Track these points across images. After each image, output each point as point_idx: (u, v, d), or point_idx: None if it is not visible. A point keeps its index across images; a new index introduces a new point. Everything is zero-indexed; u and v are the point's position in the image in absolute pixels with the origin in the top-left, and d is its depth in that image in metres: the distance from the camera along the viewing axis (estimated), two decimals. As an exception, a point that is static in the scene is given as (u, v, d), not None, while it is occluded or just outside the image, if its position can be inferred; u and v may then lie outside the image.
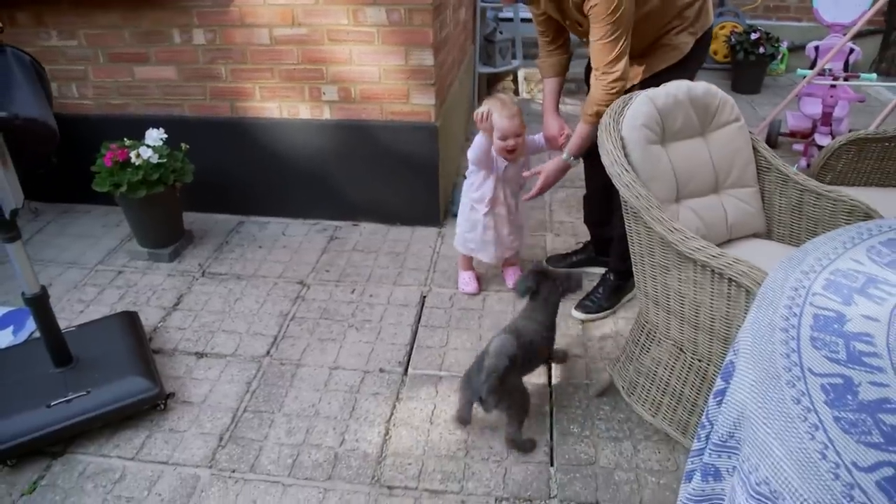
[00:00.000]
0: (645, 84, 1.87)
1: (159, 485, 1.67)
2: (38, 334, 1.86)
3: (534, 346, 1.74)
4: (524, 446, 1.73)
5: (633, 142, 1.55)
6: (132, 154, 2.42)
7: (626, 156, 1.54)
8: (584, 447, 1.75)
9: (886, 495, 0.67)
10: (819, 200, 1.63)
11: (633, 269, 1.62)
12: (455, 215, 2.51)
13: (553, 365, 2.04)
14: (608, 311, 2.29)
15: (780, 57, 5.17)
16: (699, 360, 1.50)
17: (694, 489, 0.97)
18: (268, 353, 2.13)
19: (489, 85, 4.68)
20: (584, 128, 1.98)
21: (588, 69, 2.09)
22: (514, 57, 4.56)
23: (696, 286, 1.40)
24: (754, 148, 1.75)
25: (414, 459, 1.73)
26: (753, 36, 4.74)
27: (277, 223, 2.95)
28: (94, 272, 2.59)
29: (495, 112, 2.08)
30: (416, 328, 2.25)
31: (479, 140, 2.13)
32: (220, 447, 1.77)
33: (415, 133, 2.71)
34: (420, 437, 1.79)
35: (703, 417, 1.01)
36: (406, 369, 2.05)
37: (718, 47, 5.18)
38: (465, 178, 2.30)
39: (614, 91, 1.83)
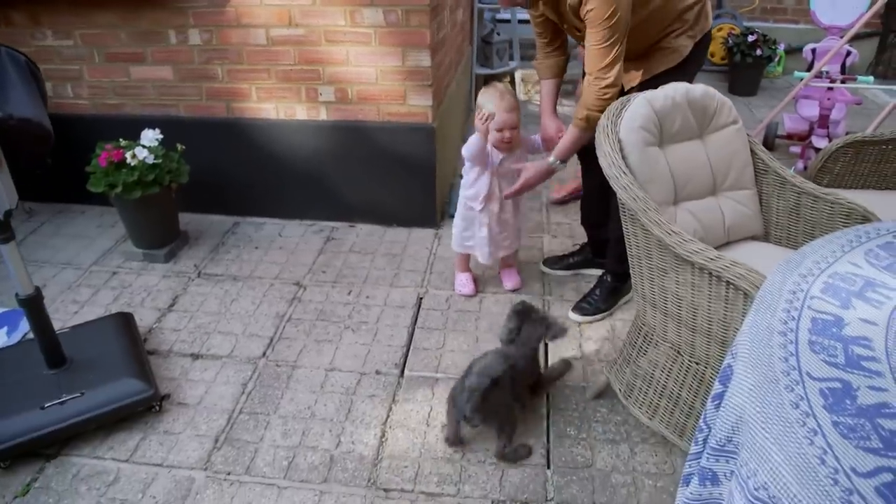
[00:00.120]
0: (644, 86, 1.87)
1: (154, 487, 1.65)
2: (32, 335, 1.84)
3: (518, 370, 1.72)
4: (515, 458, 1.71)
5: (631, 144, 1.55)
6: (127, 154, 2.41)
7: (623, 158, 1.53)
8: (581, 450, 1.75)
9: (885, 501, 0.66)
10: (816, 203, 1.63)
11: (631, 271, 1.62)
12: (452, 216, 2.50)
13: (549, 366, 2.04)
14: (605, 313, 2.29)
15: (776, 59, 5.18)
16: (697, 363, 1.50)
17: (692, 493, 0.97)
18: (264, 354, 2.12)
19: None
20: (575, 132, 1.98)
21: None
22: (511, 58, 4.56)
23: (693, 289, 1.40)
24: (752, 150, 1.75)
25: (410, 462, 1.72)
26: (750, 38, 4.75)
27: (274, 224, 2.94)
28: (88, 273, 2.58)
29: (493, 103, 2.07)
30: (413, 330, 2.24)
31: (474, 137, 2.12)
32: (216, 449, 1.76)
33: (412, 134, 2.70)
34: (416, 440, 1.79)
35: (701, 421, 1.01)
36: (402, 371, 2.05)
37: (716, 49, 5.19)
38: (461, 177, 2.29)
39: (607, 97, 1.82)
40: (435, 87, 2.66)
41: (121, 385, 1.82)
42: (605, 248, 2.32)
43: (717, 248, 1.63)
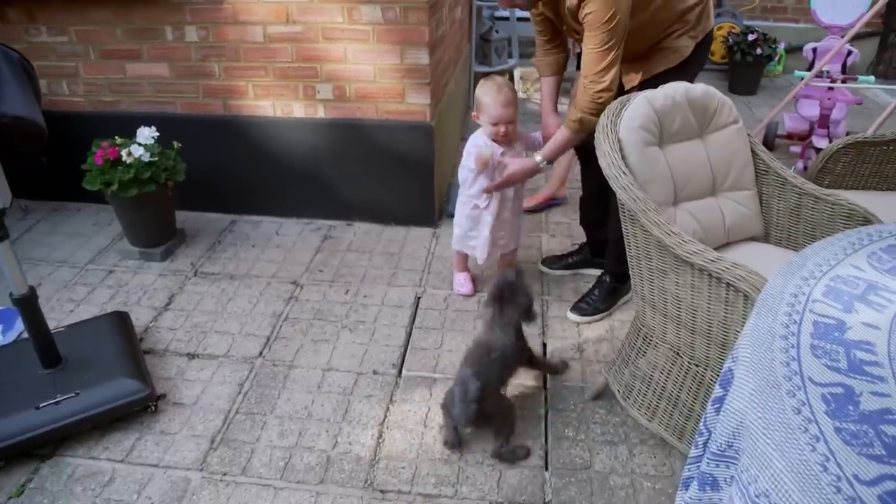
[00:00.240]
0: (644, 86, 1.85)
1: (149, 488, 1.64)
2: (27, 334, 1.83)
3: (506, 358, 1.71)
4: (513, 458, 1.70)
5: (631, 144, 1.53)
6: (123, 152, 2.39)
7: (623, 158, 1.52)
8: (580, 451, 1.74)
9: (889, 510, 0.65)
10: (817, 204, 1.62)
11: (630, 271, 1.61)
12: (451, 215, 2.49)
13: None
14: (604, 314, 2.28)
15: (777, 58, 5.17)
16: (696, 365, 1.49)
17: (691, 498, 0.96)
18: (260, 354, 2.11)
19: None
20: (567, 133, 1.96)
21: None
22: (510, 56, 4.55)
23: (693, 290, 1.39)
24: (752, 150, 1.74)
25: (407, 463, 1.71)
26: (751, 37, 4.74)
27: (271, 222, 2.93)
28: (84, 271, 2.56)
29: (489, 96, 2.06)
30: (411, 329, 2.23)
31: (467, 162, 2.12)
32: (212, 450, 1.75)
33: (410, 132, 2.69)
34: (414, 441, 1.77)
35: (701, 424, 1.00)
36: (400, 371, 2.04)
37: (716, 48, 5.17)
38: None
39: (601, 101, 1.81)
40: (433, 85, 2.65)
41: (116, 385, 1.80)
42: (604, 248, 2.30)
43: (716, 248, 1.63)
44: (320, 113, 2.72)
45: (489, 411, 1.64)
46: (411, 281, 2.50)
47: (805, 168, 3.34)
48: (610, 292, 2.28)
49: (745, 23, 5.18)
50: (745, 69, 4.86)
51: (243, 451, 1.75)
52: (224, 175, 2.89)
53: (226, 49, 2.63)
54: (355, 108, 2.68)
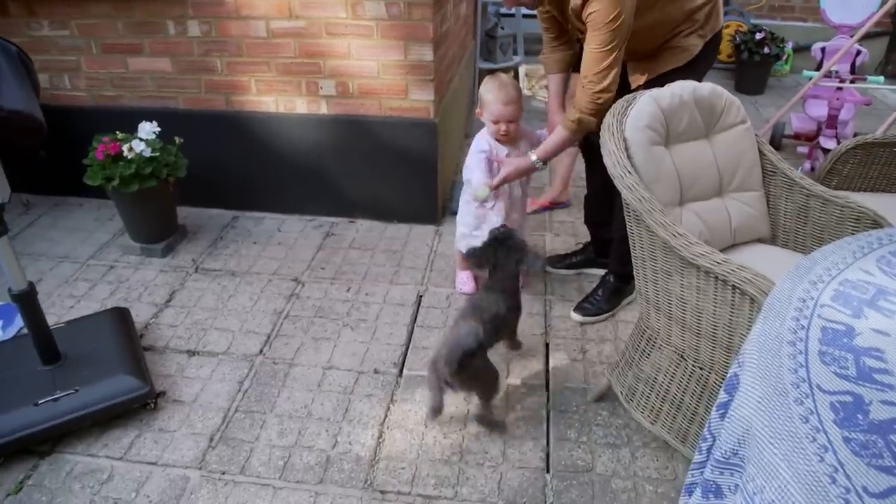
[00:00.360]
0: (651, 85, 1.83)
1: (148, 486, 1.63)
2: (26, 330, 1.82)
3: (500, 318, 1.73)
4: (495, 425, 1.73)
5: (637, 143, 1.51)
6: (124, 147, 2.38)
7: (628, 157, 1.50)
8: (581, 453, 1.72)
9: (900, 524, 0.63)
10: (825, 206, 1.60)
11: (634, 272, 1.59)
12: (454, 213, 2.47)
13: (550, 367, 2.01)
14: (607, 314, 2.25)
15: (784, 57, 5.12)
16: (701, 368, 1.47)
17: (695, 505, 0.94)
18: (261, 351, 2.10)
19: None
20: (564, 134, 1.93)
21: None
22: (515, 53, 4.52)
23: (698, 292, 1.37)
24: (760, 151, 1.71)
25: (407, 463, 1.69)
26: (758, 36, 4.70)
27: (273, 219, 2.91)
28: (85, 267, 2.55)
29: (492, 94, 2.03)
30: (412, 328, 2.21)
31: (470, 169, 2.10)
32: (211, 448, 1.74)
33: (413, 129, 2.67)
34: (414, 441, 1.76)
35: (706, 430, 0.98)
36: (401, 370, 2.02)
37: (722, 46, 5.11)
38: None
39: (600, 101, 1.78)
40: (437, 81, 2.63)
41: (116, 382, 1.80)
42: (608, 248, 2.28)
43: (722, 250, 1.61)
44: (323, 109, 2.70)
45: (474, 371, 1.64)
46: (413, 279, 2.48)
47: (812, 169, 3.31)
48: (614, 292, 2.26)
49: (753, 21, 5.14)
50: (753, 68, 4.82)
51: (242, 449, 1.74)
52: (226, 171, 2.88)
53: (228, 44, 2.62)
54: (358, 105, 2.66)
